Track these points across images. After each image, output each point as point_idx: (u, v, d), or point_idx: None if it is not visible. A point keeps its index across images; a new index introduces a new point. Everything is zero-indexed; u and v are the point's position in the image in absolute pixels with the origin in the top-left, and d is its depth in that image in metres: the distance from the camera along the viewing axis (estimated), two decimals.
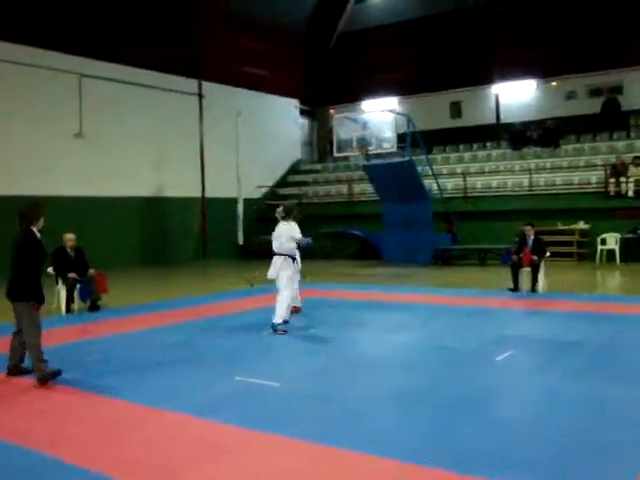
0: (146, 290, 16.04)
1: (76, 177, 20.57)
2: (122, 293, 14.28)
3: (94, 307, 11.81)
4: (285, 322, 9.28)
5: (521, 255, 13.10)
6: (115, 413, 5.72)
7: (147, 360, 7.74)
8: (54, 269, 11.70)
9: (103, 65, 21.33)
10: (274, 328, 9.16)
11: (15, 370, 7.05)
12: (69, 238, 11.85)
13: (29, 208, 7.07)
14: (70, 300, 11.67)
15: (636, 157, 20.69)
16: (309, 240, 9.89)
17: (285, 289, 9.45)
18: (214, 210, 24.63)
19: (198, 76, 24.98)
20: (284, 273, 9.50)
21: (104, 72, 21.34)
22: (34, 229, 6.95)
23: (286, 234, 9.54)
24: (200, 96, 25.06)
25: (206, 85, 25.23)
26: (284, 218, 9.64)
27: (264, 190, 27.35)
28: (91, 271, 11.88)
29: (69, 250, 11.81)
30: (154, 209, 23.16)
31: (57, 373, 6.67)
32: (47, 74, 19.86)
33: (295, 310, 10.24)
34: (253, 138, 26.22)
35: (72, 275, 11.61)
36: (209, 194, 25.01)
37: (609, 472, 4.17)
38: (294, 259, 9.72)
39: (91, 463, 4.54)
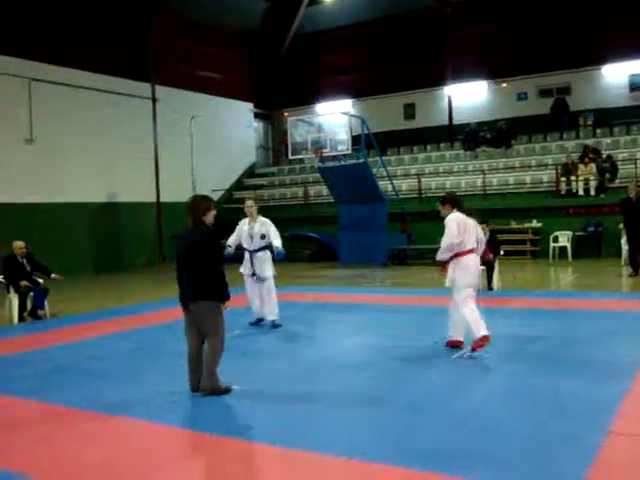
0: (100, 297, 15.81)
1: (27, 183, 20.16)
2: (76, 301, 14.09)
3: (33, 315, 11.64)
4: None
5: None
6: (70, 422, 5.62)
7: (103, 367, 7.63)
8: (5, 277, 11.50)
9: (54, 69, 20.98)
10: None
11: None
12: (18, 246, 11.67)
13: (199, 201, 6.26)
14: (23, 309, 11.47)
15: (586, 146, 21.25)
16: None
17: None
18: (170, 214, 24.37)
19: (151, 80, 24.74)
20: None
21: (55, 76, 21.00)
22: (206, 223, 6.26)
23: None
24: (154, 100, 24.82)
25: (159, 89, 24.99)
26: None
27: (220, 194, 27.19)
28: (54, 275, 11.82)
29: (19, 258, 11.61)
30: (108, 214, 22.85)
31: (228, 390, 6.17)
32: None
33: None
34: (208, 142, 26.11)
35: (24, 283, 11.42)
36: (164, 198, 24.76)
37: (562, 464, 4.24)
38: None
39: (42, 474, 4.45)
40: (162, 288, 16.46)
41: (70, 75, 21.46)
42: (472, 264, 7.59)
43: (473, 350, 7.40)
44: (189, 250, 6.15)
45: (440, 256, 7.69)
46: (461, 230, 7.52)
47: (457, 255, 7.54)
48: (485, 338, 7.32)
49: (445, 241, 7.53)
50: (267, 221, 9.88)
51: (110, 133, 22.85)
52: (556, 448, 4.51)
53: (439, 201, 7.99)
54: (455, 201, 7.87)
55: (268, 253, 9.91)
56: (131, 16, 23.96)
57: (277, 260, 9.85)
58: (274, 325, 9.82)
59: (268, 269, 9.92)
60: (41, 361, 8.15)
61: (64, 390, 6.62)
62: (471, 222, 7.70)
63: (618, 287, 14.09)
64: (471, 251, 7.61)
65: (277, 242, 9.75)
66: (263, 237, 9.74)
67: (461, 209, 7.77)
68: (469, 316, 7.41)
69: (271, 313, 9.89)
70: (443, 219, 7.76)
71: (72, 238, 21.28)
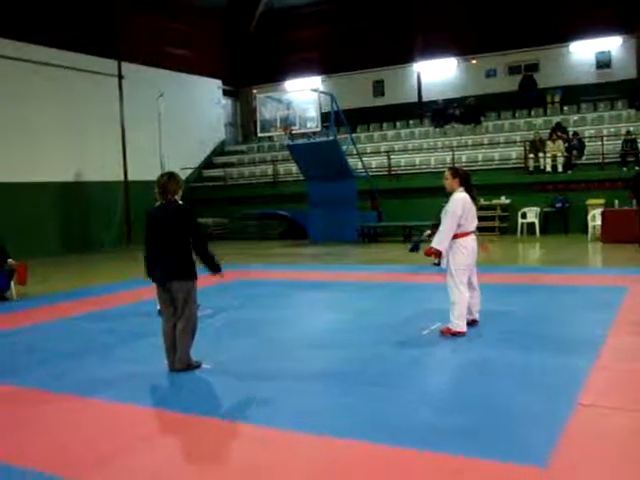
0: (70, 278, 15.64)
1: None
2: (43, 282, 13.92)
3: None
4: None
5: None
6: (40, 404, 5.56)
7: (75, 348, 7.56)
8: None
9: (15, 45, 20.49)
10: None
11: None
12: None
13: (168, 179, 6.15)
14: None
15: (558, 124, 21.37)
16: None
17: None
18: (138, 194, 24.08)
19: (117, 57, 24.33)
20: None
21: (16, 53, 20.51)
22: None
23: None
24: (120, 77, 24.43)
25: (126, 66, 24.58)
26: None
27: (188, 172, 26.96)
28: (10, 261, 11.55)
29: None
30: (75, 194, 22.53)
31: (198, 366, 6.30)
32: None
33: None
34: (176, 120, 25.66)
35: None
36: (132, 177, 24.46)
37: (531, 436, 4.30)
38: None
39: (13, 457, 4.41)
40: (132, 268, 16.33)
41: (32, 51, 20.98)
42: (469, 246, 7.29)
43: (442, 333, 7.30)
44: (168, 227, 6.07)
45: (442, 243, 7.16)
46: (465, 212, 7.20)
47: (456, 236, 7.19)
48: (462, 334, 7.20)
49: (447, 224, 7.14)
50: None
51: (76, 111, 22.45)
52: (525, 421, 4.58)
53: (448, 171, 7.54)
54: (467, 180, 7.44)
55: None
56: None
57: None
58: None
59: None
60: (10, 343, 8.05)
61: (34, 372, 6.54)
62: (473, 205, 7.38)
63: (585, 263, 14.29)
64: (470, 233, 7.34)
65: None
66: None
67: (469, 191, 7.37)
68: (459, 302, 7.21)
69: None
70: (446, 193, 7.49)
71: (39, 218, 20.96)
